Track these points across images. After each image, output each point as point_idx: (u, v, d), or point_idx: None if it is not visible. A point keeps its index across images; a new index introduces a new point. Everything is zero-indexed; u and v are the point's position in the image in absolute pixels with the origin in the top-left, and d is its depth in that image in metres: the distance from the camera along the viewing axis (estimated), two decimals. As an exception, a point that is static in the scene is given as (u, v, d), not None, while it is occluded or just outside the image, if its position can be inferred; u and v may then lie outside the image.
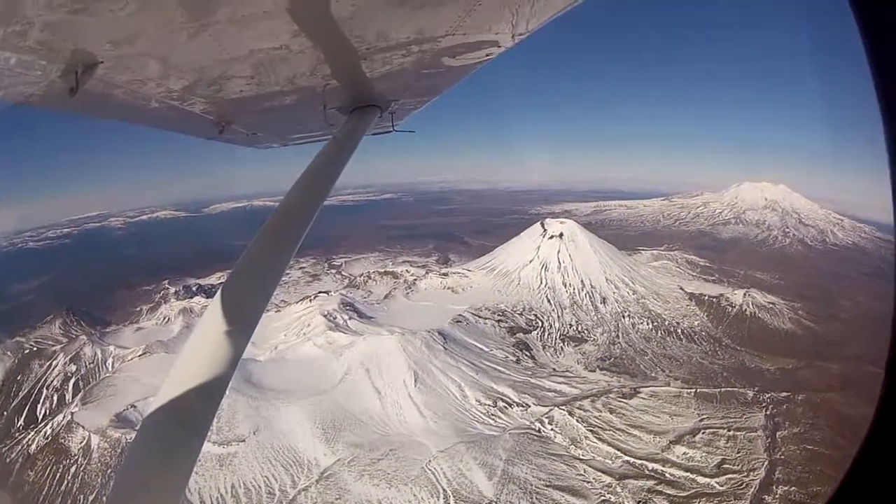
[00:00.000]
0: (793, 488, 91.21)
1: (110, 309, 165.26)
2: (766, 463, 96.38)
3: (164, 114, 5.45)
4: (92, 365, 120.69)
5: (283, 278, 5.45)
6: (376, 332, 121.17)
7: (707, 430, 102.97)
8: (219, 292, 4.48)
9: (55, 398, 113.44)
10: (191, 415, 3.81)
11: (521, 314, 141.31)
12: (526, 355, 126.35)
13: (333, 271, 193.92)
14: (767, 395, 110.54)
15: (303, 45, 4.17)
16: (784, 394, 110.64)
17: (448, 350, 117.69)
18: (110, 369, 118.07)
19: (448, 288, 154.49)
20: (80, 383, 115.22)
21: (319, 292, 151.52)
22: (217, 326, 4.09)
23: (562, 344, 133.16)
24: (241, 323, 4.19)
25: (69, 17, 2.89)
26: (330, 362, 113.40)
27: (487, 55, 5.12)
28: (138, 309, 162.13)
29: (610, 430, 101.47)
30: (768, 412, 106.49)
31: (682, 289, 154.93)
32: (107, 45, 3.50)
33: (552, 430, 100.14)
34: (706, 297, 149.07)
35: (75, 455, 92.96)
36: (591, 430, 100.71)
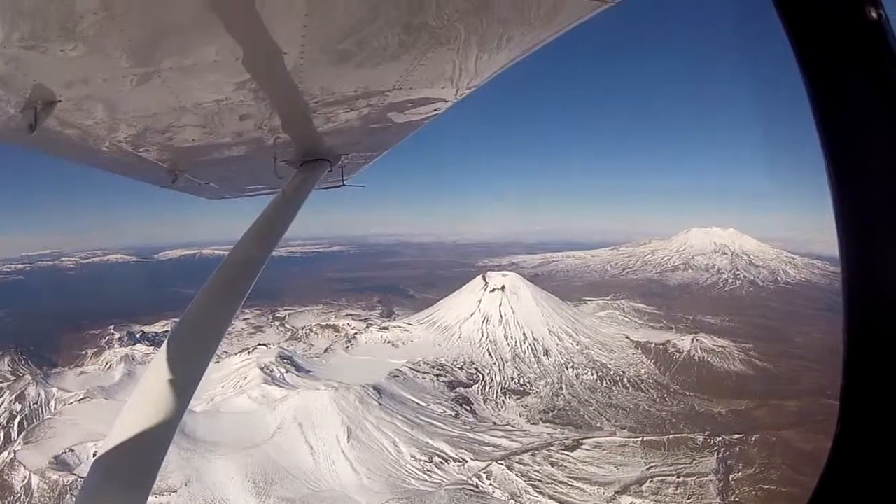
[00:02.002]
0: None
1: (57, 350, 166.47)
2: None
3: (119, 159, 5.49)
4: (35, 405, 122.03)
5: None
6: (312, 387, 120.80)
7: (655, 478, 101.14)
8: (165, 342, 4.49)
9: (1, 435, 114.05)
10: (137, 466, 3.89)
11: (461, 368, 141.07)
12: (465, 409, 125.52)
13: (277, 323, 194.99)
14: (719, 439, 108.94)
15: (253, 98, 4.23)
16: (736, 435, 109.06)
17: (383, 405, 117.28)
18: (52, 411, 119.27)
19: (388, 342, 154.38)
20: (24, 422, 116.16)
21: (259, 345, 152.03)
22: (162, 377, 4.14)
23: (503, 397, 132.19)
24: (187, 374, 4.27)
25: (25, 52, 2.96)
26: (264, 416, 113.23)
27: (435, 110, 5.20)
28: (83, 352, 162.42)
29: (551, 484, 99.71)
30: (720, 455, 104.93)
31: (628, 337, 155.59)
32: (64, 84, 3.52)
33: (490, 484, 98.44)
34: (652, 345, 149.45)
35: (18, 492, 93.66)
36: (531, 484, 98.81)
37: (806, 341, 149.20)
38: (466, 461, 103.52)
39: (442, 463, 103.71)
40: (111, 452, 3.80)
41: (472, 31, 3.43)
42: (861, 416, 2.30)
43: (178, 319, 4.80)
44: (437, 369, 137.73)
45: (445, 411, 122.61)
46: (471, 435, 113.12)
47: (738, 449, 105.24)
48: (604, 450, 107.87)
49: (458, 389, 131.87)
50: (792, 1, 2.25)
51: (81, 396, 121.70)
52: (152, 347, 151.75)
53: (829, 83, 2.23)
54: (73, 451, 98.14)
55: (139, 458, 3.88)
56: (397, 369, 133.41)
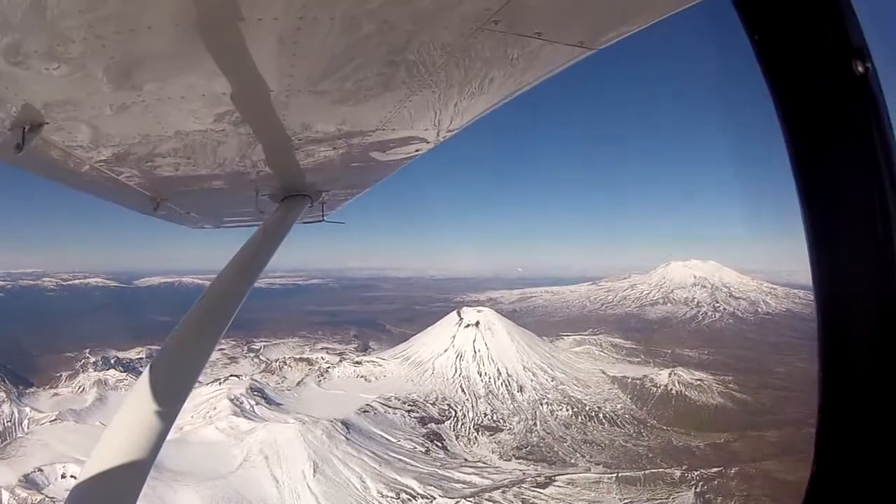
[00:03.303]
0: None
1: (33, 369, 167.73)
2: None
3: (103, 184, 5.49)
4: (9, 423, 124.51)
5: None
6: (281, 420, 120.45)
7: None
8: (145, 372, 4.46)
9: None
10: (115, 495, 3.90)
11: (433, 404, 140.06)
12: (437, 446, 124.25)
13: (252, 355, 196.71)
14: (696, 473, 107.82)
15: (236, 132, 4.24)
16: (715, 469, 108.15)
17: (350, 440, 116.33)
18: (24, 430, 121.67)
19: (361, 376, 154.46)
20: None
21: (231, 375, 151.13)
22: (142, 407, 4.16)
23: (476, 433, 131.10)
24: (166, 405, 4.24)
25: (11, 69, 2.92)
26: (230, 447, 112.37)
27: (416, 150, 5.26)
28: (58, 374, 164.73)
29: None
30: (698, 489, 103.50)
31: (604, 373, 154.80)
32: (50, 106, 3.50)
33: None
34: (629, 380, 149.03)
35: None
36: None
37: (787, 371, 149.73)
38: (434, 498, 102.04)
39: (409, 500, 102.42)
40: (90, 480, 3.75)
41: (454, 75, 3.43)
42: (837, 442, 2.39)
43: (155, 347, 4.26)
44: (409, 405, 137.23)
45: (416, 447, 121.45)
46: (441, 471, 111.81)
47: (716, 482, 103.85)
48: (577, 486, 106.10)
49: (429, 425, 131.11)
50: (774, 53, 2.26)
51: (53, 418, 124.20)
52: (126, 374, 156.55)
53: (808, 129, 2.27)
54: (41, 470, 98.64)
55: (117, 487, 3.84)
56: (368, 404, 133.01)
